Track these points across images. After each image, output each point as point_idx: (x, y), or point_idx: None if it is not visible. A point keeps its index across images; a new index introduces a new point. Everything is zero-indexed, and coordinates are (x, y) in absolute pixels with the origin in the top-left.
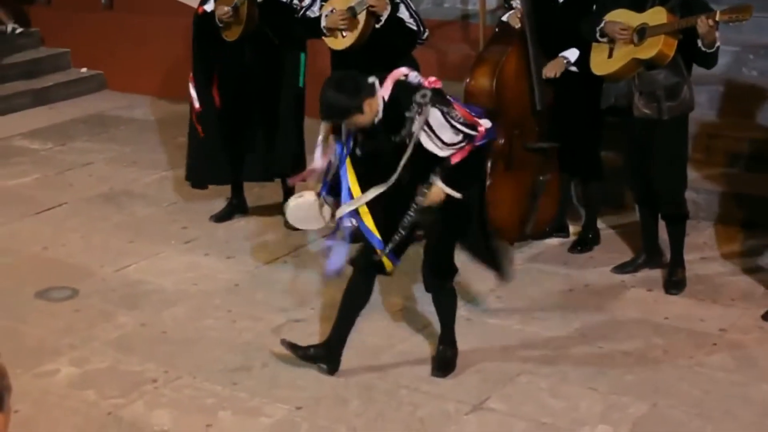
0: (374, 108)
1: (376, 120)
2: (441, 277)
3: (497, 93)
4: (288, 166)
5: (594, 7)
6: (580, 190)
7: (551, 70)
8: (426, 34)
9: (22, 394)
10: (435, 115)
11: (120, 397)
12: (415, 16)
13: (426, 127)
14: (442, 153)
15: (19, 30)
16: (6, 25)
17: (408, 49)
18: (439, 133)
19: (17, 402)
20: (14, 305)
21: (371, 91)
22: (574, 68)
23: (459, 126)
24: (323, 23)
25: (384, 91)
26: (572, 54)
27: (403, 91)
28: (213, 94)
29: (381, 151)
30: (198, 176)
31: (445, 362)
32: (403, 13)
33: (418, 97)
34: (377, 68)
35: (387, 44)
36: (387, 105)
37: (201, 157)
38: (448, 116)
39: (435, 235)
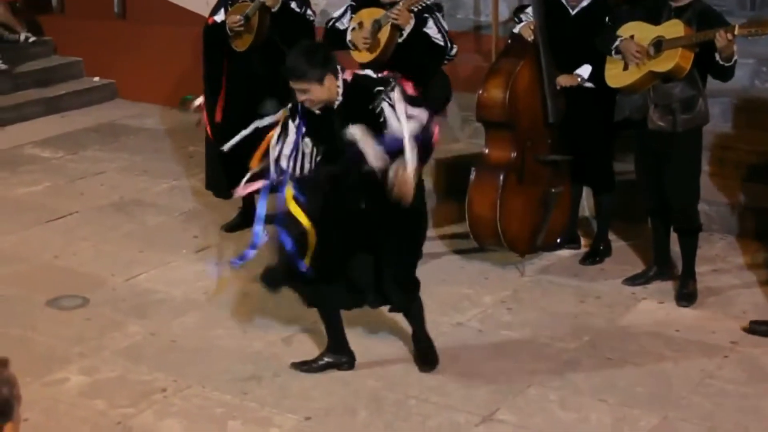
0: (333, 89)
1: (336, 103)
2: (411, 291)
3: (510, 105)
4: None
5: (606, 18)
6: (592, 202)
7: (565, 82)
8: (454, 50)
9: (31, 402)
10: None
11: (129, 407)
12: (443, 31)
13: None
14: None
15: (32, 39)
16: (19, 34)
17: (434, 64)
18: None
19: (27, 410)
20: (25, 313)
21: (335, 71)
22: (589, 84)
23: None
24: (349, 37)
25: (346, 76)
26: (585, 71)
27: (365, 80)
28: (217, 106)
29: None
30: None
31: (428, 356)
32: (431, 28)
33: (387, 89)
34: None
35: (412, 59)
36: (349, 91)
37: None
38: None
39: (395, 250)
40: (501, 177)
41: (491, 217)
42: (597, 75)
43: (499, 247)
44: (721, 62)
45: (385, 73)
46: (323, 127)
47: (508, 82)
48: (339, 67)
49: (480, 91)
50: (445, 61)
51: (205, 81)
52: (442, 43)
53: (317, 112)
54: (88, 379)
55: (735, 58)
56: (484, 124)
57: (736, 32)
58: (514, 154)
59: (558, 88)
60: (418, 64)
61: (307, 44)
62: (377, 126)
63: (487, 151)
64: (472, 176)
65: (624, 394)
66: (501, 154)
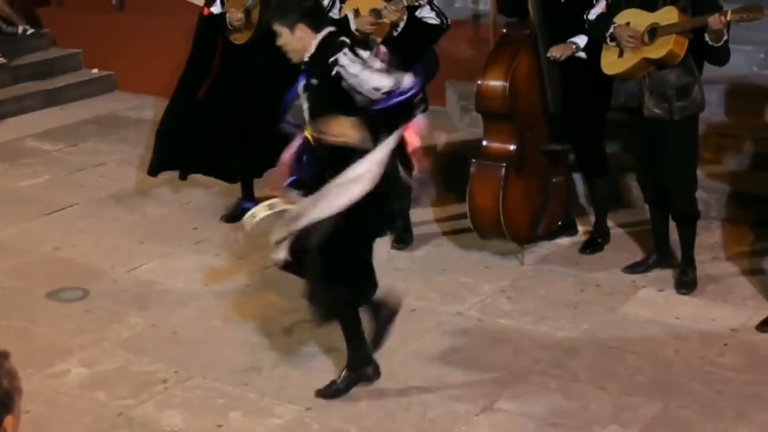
0: (305, 41)
1: (306, 56)
2: (329, 282)
3: (510, 96)
4: None
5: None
6: (587, 188)
7: (558, 51)
8: (448, 22)
9: (32, 394)
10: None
11: (130, 398)
12: (436, 9)
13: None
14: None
15: (30, 31)
16: (17, 27)
17: (431, 43)
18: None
19: (28, 402)
20: (25, 306)
21: (314, 25)
22: (582, 54)
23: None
24: (353, 26)
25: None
26: (581, 39)
27: (331, 38)
28: (197, 90)
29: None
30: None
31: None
32: (424, 10)
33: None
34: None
35: (407, 45)
36: (318, 49)
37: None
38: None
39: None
40: (501, 168)
41: (493, 209)
42: (591, 48)
43: (501, 238)
44: (711, 42)
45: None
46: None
47: (508, 72)
48: (330, 28)
49: (479, 82)
50: (440, 36)
51: (190, 62)
52: (437, 22)
53: (302, 67)
54: (89, 370)
55: (725, 38)
56: (484, 115)
57: (728, 17)
58: (514, 145)
59: (550, 57)
60: (412, 48)
61: None
62: (333, 82)
63: (486, 142)
64: (472, 168)
65: (624, 382)
66: (501, 145)
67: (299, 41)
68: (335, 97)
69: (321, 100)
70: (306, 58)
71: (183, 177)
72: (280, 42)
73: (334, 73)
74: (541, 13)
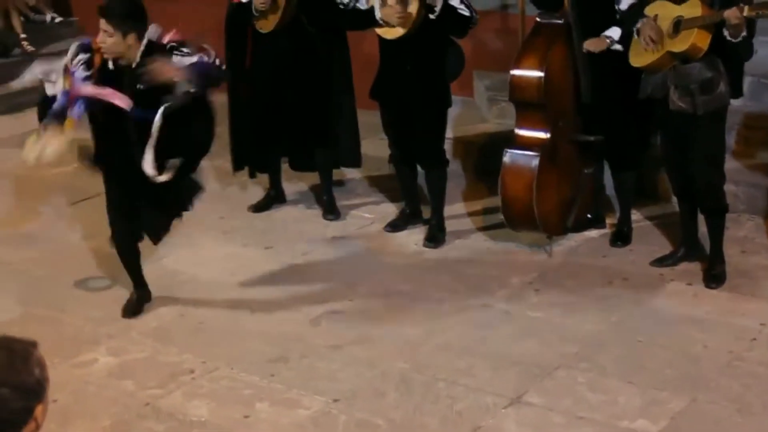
0: (134, 48)
1: (134, 63)
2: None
3: (546, 85)
4: (343, 159)
5: None
6: (614, 181)
7: (593, 45)
8: (476, 15)
9: (60, 383)
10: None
11: (158, 388)
12: (465, 0)
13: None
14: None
15: (58, 19)
16: (45, 15)
17: (462, 35)
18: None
19: (56, 392)
20: (53, 294)
21: (142, 33)
22: (618, 46)
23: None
24: (378, 15)
25: (149, 35)
26: (615, 32)
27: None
28: (242, 85)
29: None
30: (245, 165)
31: None
32: (454, 0)
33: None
34: (427, 56)
35: (439, 33)
36: (146, 53)
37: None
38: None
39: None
40: (535, 157)
41: (526, 198)
42: (626, 39)
43: (533, 228)
44: (729, 38)
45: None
46: (111, 81)
47: (543, 62)
48: (151, 30)
49: (513, 72)
50: (469, 30)
51: (227, 62)
52: (468, 13)
53: (110, 66)
54: (117, 360)
55: (744, 33)
56: (517, 105)
57: (745, 13)
58: (547, 135)
59: (585, 51)
60: (443, 38)
61: None
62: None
63: (519, 131)
64: (505, 158)
65: (652, 376)
66: (534, 135)
67: (127, 48)
68: None
69: None
70: (133, 65)
71: (252, 175)
72: (106, 39)
73: None
74: (576, 2)
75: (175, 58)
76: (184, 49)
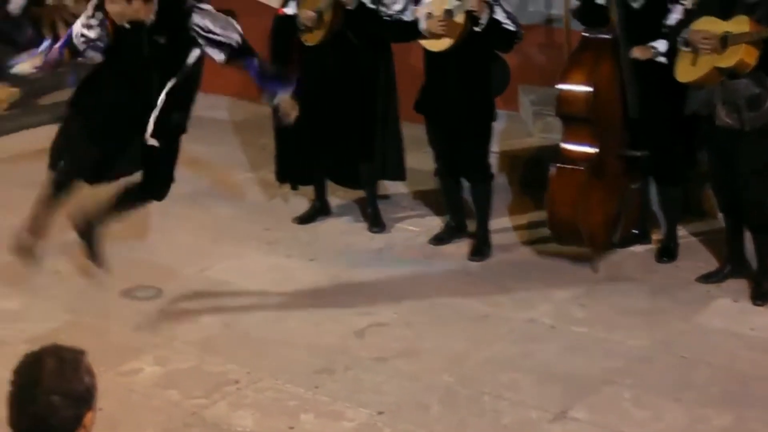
0: (143, 9)
1: (148, 21)
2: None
3: (594, 100)
4: (388, 172)
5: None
6: (660, 196)
7: (639, 51)
8: (522, 31)
9: (106, 392)
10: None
11: (203, 398)
12: (510, 16)
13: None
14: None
15: None
16: None
17: (507, 49)
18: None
19: (101, 400)
20: (100, 303)
21: None
22: (663, 59)
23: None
24: (423, 26)
25: None
26: (661, 44)
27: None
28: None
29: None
30: (288, 176)
31: None
32: (499, 15)
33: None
34: (472, 70)
35: (484, 47)
36: (160, 12)
37: (290, 158)
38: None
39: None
40: (582, 172)
41: (572, 213)
42: (671, 54)
43: (578, 243)
44: None
45: None
46: (129, 41)
47: (591, 77)
48: None
49: (561, 87)
50: (515, 44)
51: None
52: (513, 28)
53: (126, 25)
54: (162, 369)
55: None
56: (564, 119)
57: None
58: (594, 150)
59: (631, 57)
60: (488, 51)
61: None
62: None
63: (566, 146)
64: (552, 172)
65: (698, 393)
66: (581, 149)
67: (147, 11)
68: None
69: None
70: (148, 23)
71: (295, 187)
72: (129, 8)
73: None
74: (624, 17)
75: (197, 18)
76: (204, 6)
